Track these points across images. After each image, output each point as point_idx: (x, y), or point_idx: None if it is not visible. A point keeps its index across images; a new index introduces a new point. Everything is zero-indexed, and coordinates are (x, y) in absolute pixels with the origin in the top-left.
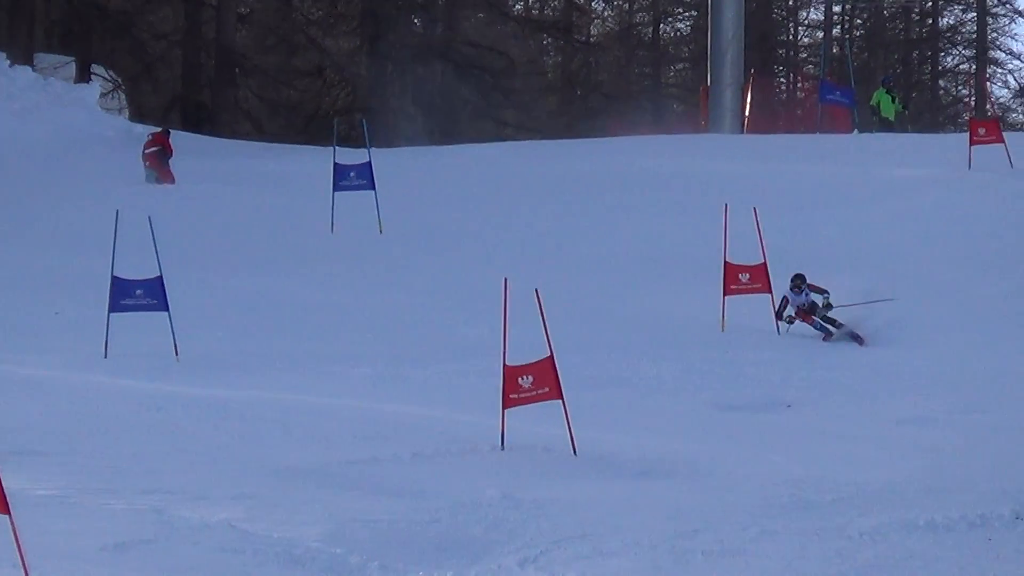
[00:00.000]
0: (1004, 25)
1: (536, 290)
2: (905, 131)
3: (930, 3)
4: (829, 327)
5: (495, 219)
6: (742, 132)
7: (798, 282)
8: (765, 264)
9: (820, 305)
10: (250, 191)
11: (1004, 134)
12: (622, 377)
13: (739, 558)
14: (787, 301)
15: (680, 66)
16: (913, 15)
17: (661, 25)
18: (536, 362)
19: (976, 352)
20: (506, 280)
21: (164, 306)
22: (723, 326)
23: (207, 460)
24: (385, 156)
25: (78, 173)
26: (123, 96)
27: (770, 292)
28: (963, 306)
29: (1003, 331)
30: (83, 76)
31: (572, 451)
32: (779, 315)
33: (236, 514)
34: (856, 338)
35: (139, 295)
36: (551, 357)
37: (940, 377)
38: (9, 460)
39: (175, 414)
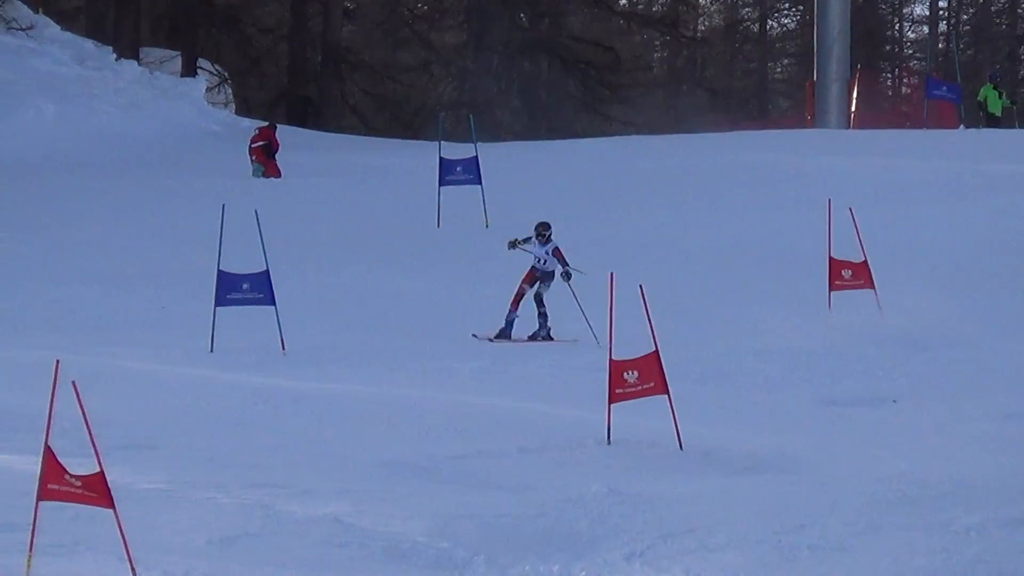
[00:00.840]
0: None
1: (640, 285)
2: (1012, 127)
3: None
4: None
5: (600, 214)
6: (848, 128)
7: (543, 230)
8: (866, 262)
9: (546, 295)
10: (356, 185)
11: None
12: (727, 372)
13: (845, 553)
14: (527, 241)
15: (786, 61)
16: (1020, 10)
17: (767, 20)
18: (641, 357)
19: None
20: (612, 275)
21: (270, 300)
22: (828, 322)
23: (313, 454)
24: (491, 151)
25: (184, 167)
26: (229, 90)
27: (873, 288)
28: None
29: None
30: (189, 70)
31: (678, 446)
32: (516, 243)
33: (342, 508)
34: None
35: (245, 289)
36: (656, 352)
37: None
38: (116, 454)
39: (281, 408)
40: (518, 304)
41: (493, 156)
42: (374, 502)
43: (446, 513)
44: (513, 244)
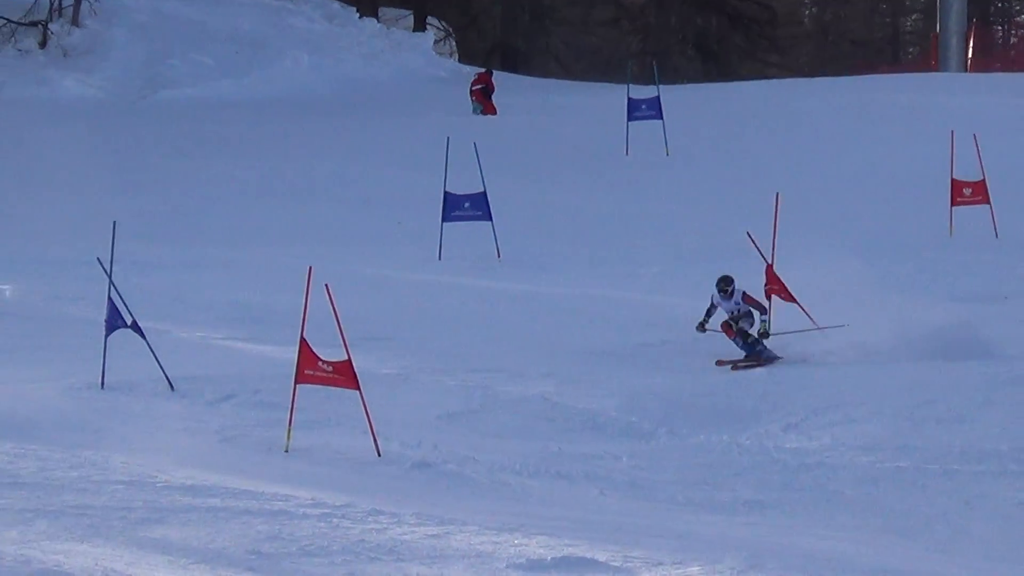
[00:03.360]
0: None
1: (776, 194)
2: None
3: None
4: (754, 348)
5: (760, 144)
6: (965, 71)
7: (724, 285)
8: (984, 180)
9: (751, 329)
10: (558, 121)
11: None
12: (858, 272)
13: (965, 424)
14: (713, 307)
15: (914, 16)
16: None
17: None
18: (769, 273)
19: None
20: (778, 195)
21: (488, 216)
22: (951, 232)
23: (524, 345)
24: (670, 92)
25: (415, 106)
26: (453, 42)
27: (989, 203)
28: None
29: None
30: (419, 26)
31: (824, 335)
32: (703, 324)
33: (548, 389)
34: (770, 359)
35: (467, 207)
36: (770, 266)
37: None
38: (360, 344)
39: (497, 306)
40: (733, 333)
41: (672, 97)
42: (575, 383)
43: (634, 392)
44: (702, 326)
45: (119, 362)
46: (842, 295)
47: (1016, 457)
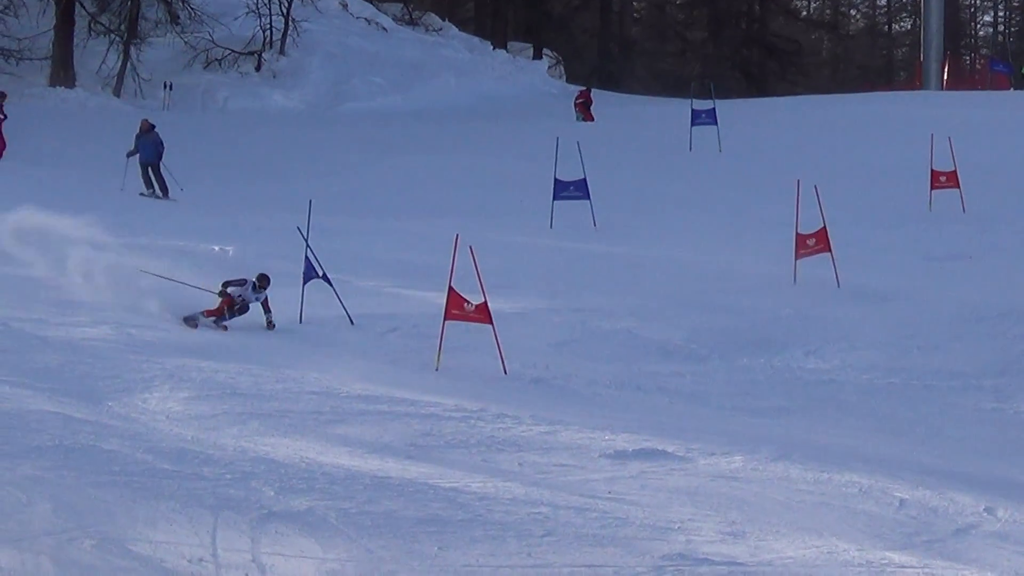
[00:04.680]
0: None
1: (815, 187)
2: None
3: None
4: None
5: (789, 141)
6: (942, 90)
7: (264, 283)
8: (956, 170)
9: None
10: (639, 126)
11: None
12: (861, 238)
13: (940, 351)
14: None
15: (904, 48)
16: None
17: (893, 24)
18: (817, 231)
19: None
20: (799, 181)
21: (587, 196)
22: (930, 208)
23: (612, 291)
24: (723, 105)
25: (533, 116)
26: (562, 67)
27: (959, 187)
28: None
29: None
30: (537, 55)
31: (836, 284)
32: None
33: (632, 324)
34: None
35: (571, 190)
36: (824, 228)
37: None
38: (492, 291)
39: (593, 263)
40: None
41: (724, 108)
42: (651, 318)
43: (694, 327)
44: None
45: (313, 304)
46: (854, 254)
47: (978, 376)
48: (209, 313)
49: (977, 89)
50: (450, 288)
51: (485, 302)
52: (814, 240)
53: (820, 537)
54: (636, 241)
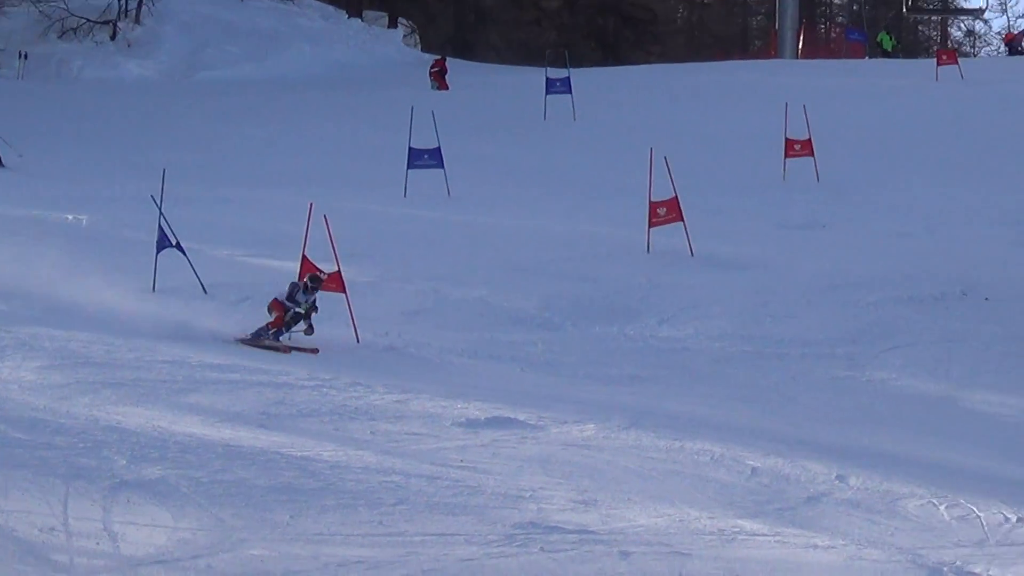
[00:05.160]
0: None
1: (660, 156)
2: (898, 58)
3: None
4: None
5: (641, 110)
6: (797, 58)
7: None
8: (810, 139)
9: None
10: (494, 95)
11: (959, 59)
12: (715, 207)
13: (793, 319)
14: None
15: (759, 16)
16: None
17: None
18: (669, 199)
19: (928, 190)
20: (652, 150)
21: (441, 165)
22: (784, 177)
23: (466, 260)
24: (577, 74)
25: (388, 84)
26: (417, 37)
27: (813, 156)
28: (930, 160)
29: (948, 176)
30: (392, 24)
31: (690, 253)
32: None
33: (483, 293)
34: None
35: (425, 158)
36: (676, 197)
37: (911, 208)
38: (346, 260)
39: (447, 232)
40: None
41: (578, 77)
42: (505, 289)
43: (548, 295)
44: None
45: (166, 273)
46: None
47: (830, 344)
48: (271, 325)
49: (832, 58)
50: (304, 257)
51: (339, 271)
52: (665, 209)
53: (672, 505)
54: (490, 210)
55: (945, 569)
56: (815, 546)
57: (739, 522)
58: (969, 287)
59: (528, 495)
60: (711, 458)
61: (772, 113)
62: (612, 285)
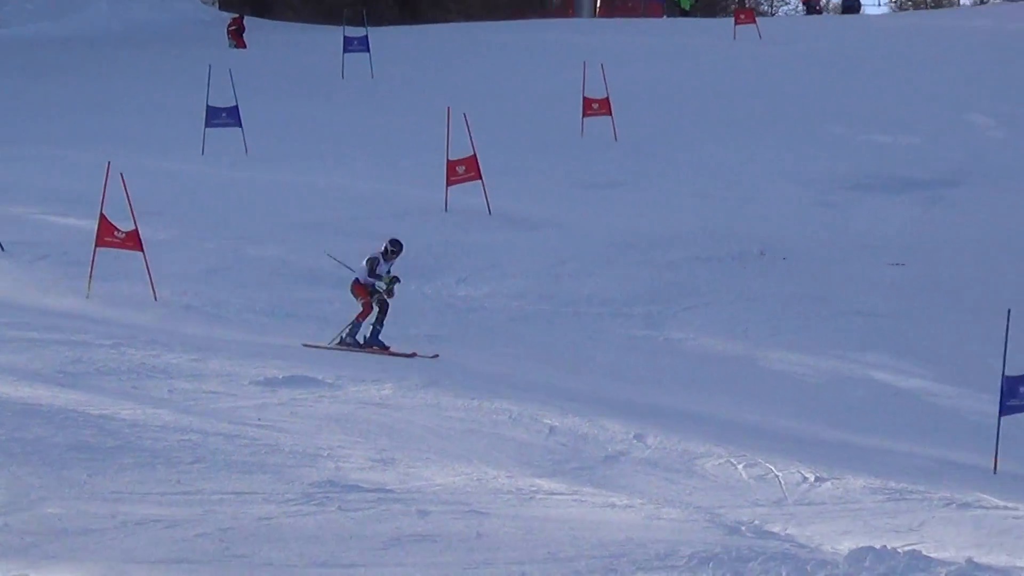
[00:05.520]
0: None
1: (464, 115)
2: (696, 17)
3: None
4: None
5: (443, 70)
6: (594, 17)
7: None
8: (608, 98)
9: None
10: (292, 54)
11: (756, 18)
12: (517, 167)
13: (592, 277)
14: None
15: None
16: None
17: None
18: (467, 157)
19: (727, 149)
20: (449, 108)
21: (239, 123)
22: (582, 135)
23: (264, 218)
24: (376, 32)
25: (187, 43)
26: None
27: (611, 114)
28: (729, 120)
29: (747, 135)
30: None
31: (488, 212)
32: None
33: (281, 251)
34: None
35: (224, 117)
36: (475, 155)
37: (710, 168)
38: (143, 218)
39: (245, 190)
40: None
41: (377, 35)
42: (301, 247)
43: (345, 252)
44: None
45: None
46: (506, 182)
47: (627, 303)
48: (360, 317)
49: (630, 16)
50: (101, 215)
51: (136, 229)
52: (464, 167)
53: (469, 464)
54: (288, 168)
55: (743, 528)
56: (613, 505)
57: (537, 481)
58: (767, 246)
59: (326, 454)
60: (509, 417)
61: (570, 72)
62: (410, 243)
